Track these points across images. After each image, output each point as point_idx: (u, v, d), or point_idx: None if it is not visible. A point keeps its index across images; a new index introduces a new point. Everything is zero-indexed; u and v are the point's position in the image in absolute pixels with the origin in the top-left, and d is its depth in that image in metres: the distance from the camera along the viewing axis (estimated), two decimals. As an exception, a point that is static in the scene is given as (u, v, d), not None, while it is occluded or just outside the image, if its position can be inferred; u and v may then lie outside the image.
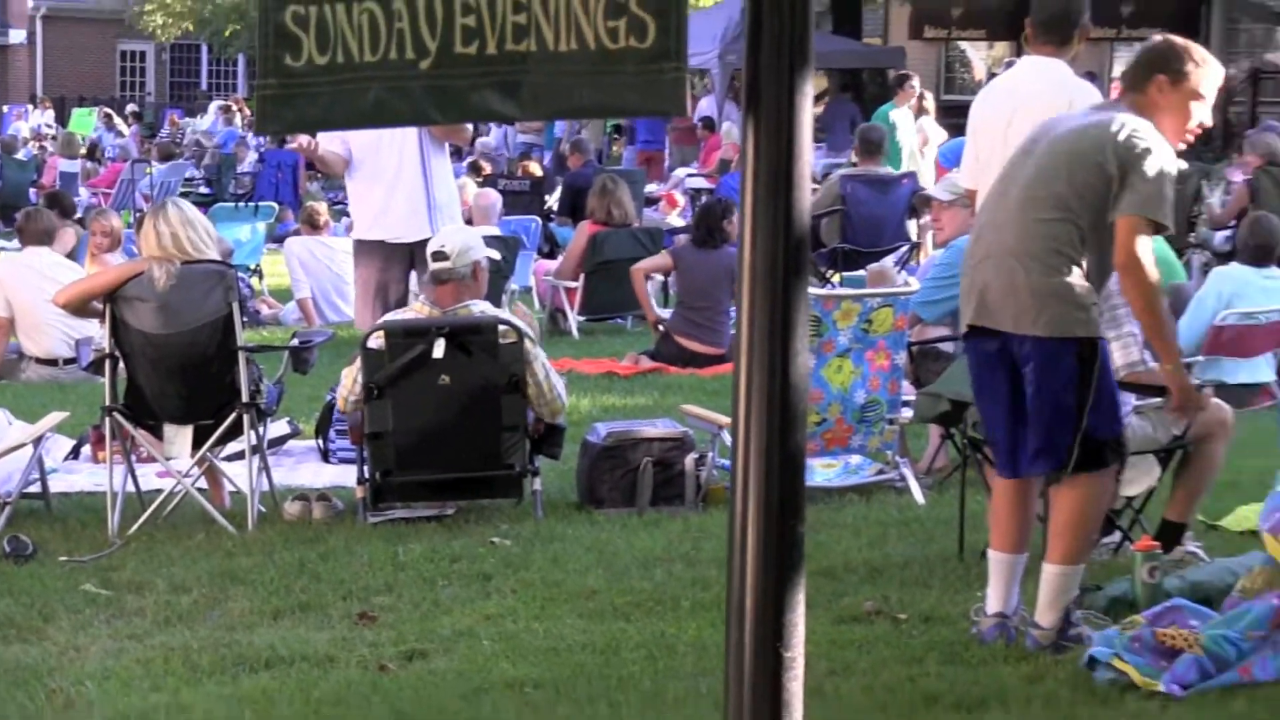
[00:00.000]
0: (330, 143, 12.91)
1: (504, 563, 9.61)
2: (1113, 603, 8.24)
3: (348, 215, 18.59)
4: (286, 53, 4.04)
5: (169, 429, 10.57)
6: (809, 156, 4.16)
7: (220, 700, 7.44)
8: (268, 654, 8.05)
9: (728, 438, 10.87)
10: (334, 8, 4.00)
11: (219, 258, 11.03)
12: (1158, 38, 8.08)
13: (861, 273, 16.02)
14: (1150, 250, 7.49)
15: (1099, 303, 7.72)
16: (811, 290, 11.47)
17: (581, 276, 17.98)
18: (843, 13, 46.89)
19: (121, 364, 10.57)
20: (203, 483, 10.78)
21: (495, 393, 10.35)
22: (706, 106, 37.83)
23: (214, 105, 51.17)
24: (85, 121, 47.26)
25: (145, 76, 65.66)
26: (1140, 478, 9.27)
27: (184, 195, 29.23)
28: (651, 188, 27.29)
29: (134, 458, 10.72)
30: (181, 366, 10.48)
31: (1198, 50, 7.82)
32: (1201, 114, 7.81)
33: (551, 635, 8.28)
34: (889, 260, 14.95)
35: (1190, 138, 7.86)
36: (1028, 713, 7.01)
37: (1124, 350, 8.78)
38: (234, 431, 10.44)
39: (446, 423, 10.31)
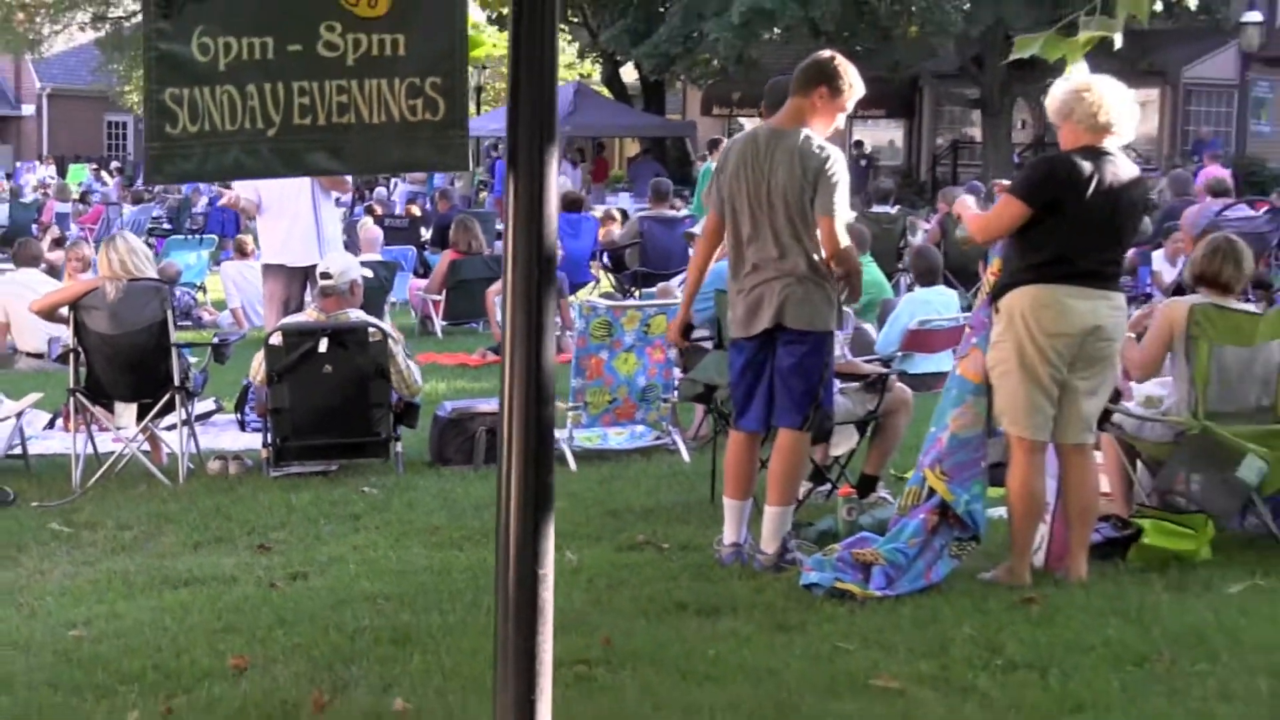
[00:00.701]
0: (245, 191, 13.03)
1: (371, 506, 9.56)
2: (821, 535, 8.31)
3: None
4: (166, 123, 4.04)
5: (119, 406, 10.67)
6: (555, 202, 4.14)
7: (148, 610, 7.35)
8: (187, 575, 7.99)
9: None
10: (201, 90, 4.01)
11: (157, 277, 10.97)
12: (825, 53, 7.99)
13: (654, 289, 16.04)
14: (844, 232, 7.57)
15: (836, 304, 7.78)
16: (605, 302, 11.51)
17: (444, 291, 18.01)
18: (650, 95, 47.03)
19: (83, 356, 10.56)
20: (146, 447, 10.69)
21: (366, 378, 10.37)
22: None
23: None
24: (79, 174, 46.75)
25: (126, 140, 65.11)
26: (844, 442, 9.36)
27: (151, 230, 29.01)
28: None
29: (94, 428, 10.63)
30: (128, 359, 10.53)
31: (853, 72, 7.80)
32: (841, 120, 7.86)
33: (402, 561, 8.24)
34: (674, 281, 14.94)
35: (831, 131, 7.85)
36: (751, 616, 7.00)
37: (839, 346, 8.86)
38: (169, 408, 10.40)
39: (329, 401, 10.33)
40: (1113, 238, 7.43)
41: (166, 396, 10.36)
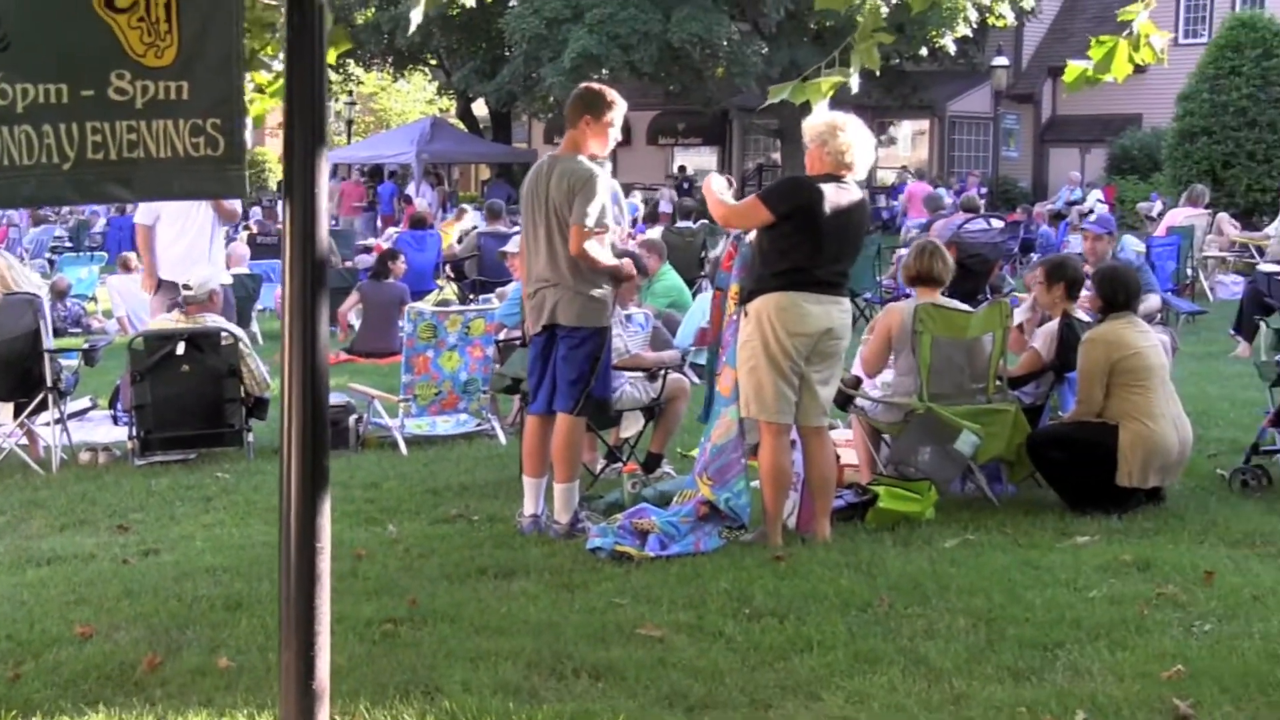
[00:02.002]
0: (144, 217, 12.72)
1: (223, 490, 9.45)
2: (609, 506, 8.34)
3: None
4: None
5: None
6: (325, 222, 4.14)
7: (10, 585, 7.21)
8: (50, 554, 7.84)
9: (379, 406, 10.83)
10: (1, 129, 3.93)
11: (33, 291, 10.74)
12: (583, 86, 8.10)
13: (490, 295, 15.98)
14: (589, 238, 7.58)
15: (607, 304, 7.82)
16: (430, 307, 11.45)
17: (304, 300, 17.81)
18: (499, 126, 46.91)
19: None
20: (24, 441, 10.48)
21: (219, 377, 10.28)
22: (410, 187, 37.66)
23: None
24: (-9, 201, 45.49)
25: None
26: (632, 425, 9.42)
27: (53, 249, 28.47)
28: (370, 241, 27.18)
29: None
30: (4, 363, 10.26)
31: (611, 93, 7.86)
32: (615, 135, 7.87)
33: (244, 536, 8.15)
34: (510, 287, 14.89)
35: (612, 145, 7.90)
36: (542, 577, 7.01)
37: (623, 342, 8.89)
38: (43, 406, 10.21)
39: (187, 397, 10.21)
40: (844, 252, 7.56)
41: (40, 396, 10.16)
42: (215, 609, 6.61)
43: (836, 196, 7.41)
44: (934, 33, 34.89)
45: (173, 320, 10.66)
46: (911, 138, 45.81)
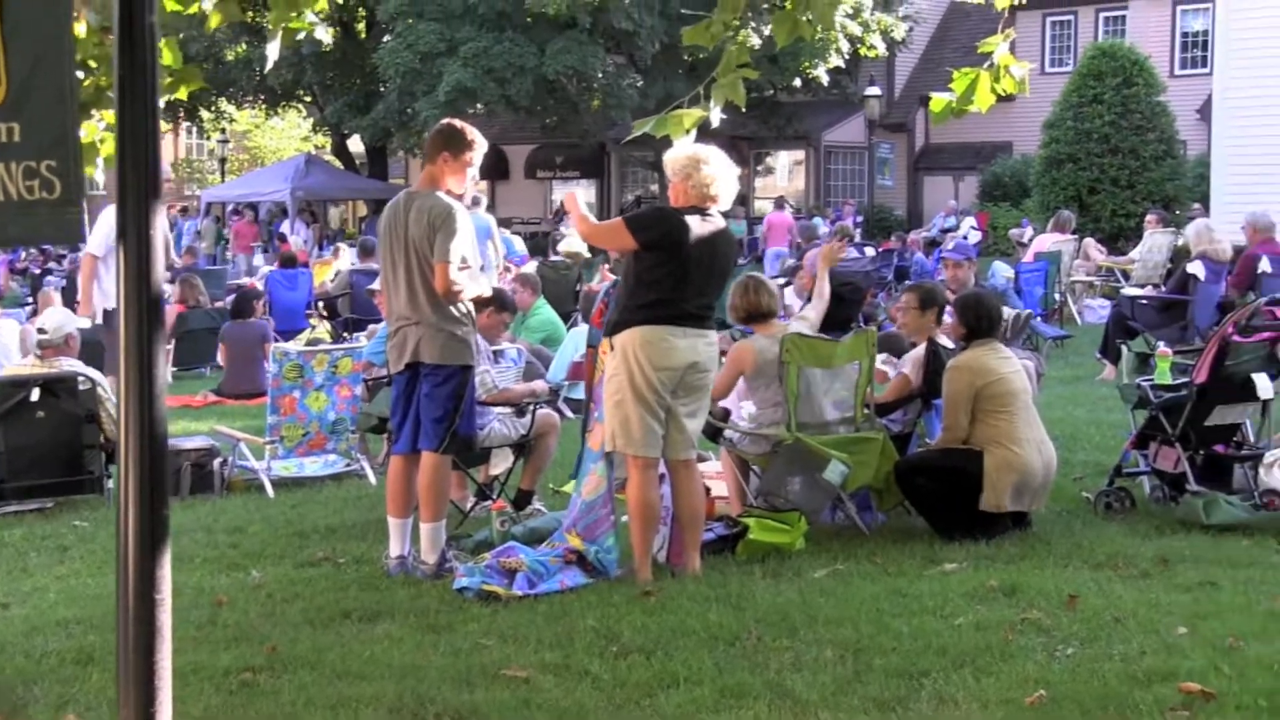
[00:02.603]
0: (95, 248, 12.62)
1: (80, 538, 9.21)
2: (478, 545, 8.24)
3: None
4: None
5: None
6: (161, 264, 4.02)
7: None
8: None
9: (245, 448, 10.64)
10: None
11: None
12: (444, 121, 8.01)
13: (363, 333, 15.84)
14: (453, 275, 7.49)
15: (470, 341, 7.73)
16: (296, 347, 11.29)
17: (173, 340, 17.58)
18: (375, 162, 46.63)
19: None
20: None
21: (77, 422, 10.03)
22: (284, 225, 37.30)
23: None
24: None
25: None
26: (501, 462, 9.33)
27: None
28: (243, 280, 26.89)
29: None
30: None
31: (472, 131, 7.82)
32: (474, 174, 7.82)
33: (100, 587, 7.89)
34: (380, 325, 14.75)
35: (470, 184, 7.87)
36: (407, 620, 6.88)
37: (480, 382, 8.78)
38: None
39: (42, 444, 9.93)
40: (709, 285, 7.51)
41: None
42: (65, 664, 6.39)
43: (701, 229, 7.39)
44: (807, 64, 35.25)
45: (28, 365, 10.40)
46: (789, 168, 46.15)
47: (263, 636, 6.68)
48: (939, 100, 7.37)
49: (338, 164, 46.75)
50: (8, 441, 9.86)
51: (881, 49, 37.08)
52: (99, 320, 12.66)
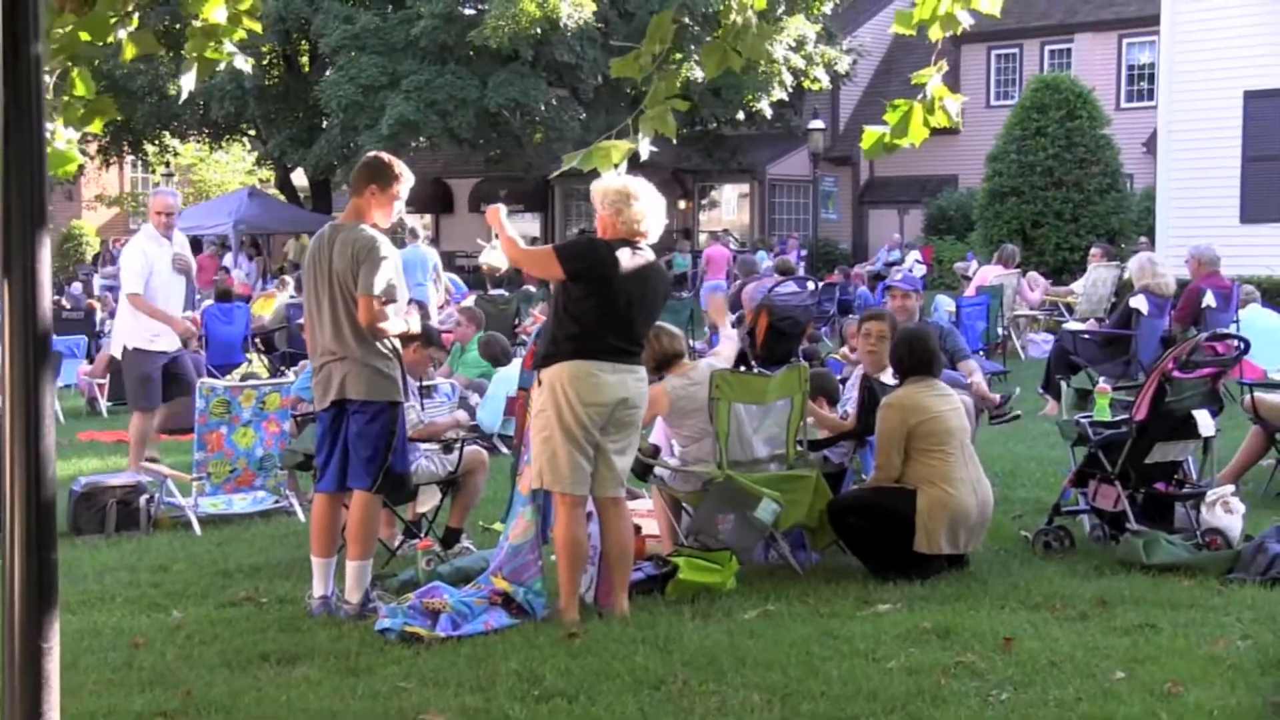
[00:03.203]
0: (133, 285, 11.90)
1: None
2: (403, 584, 8.11)
3: None
4: None
5: None
6: (48, 300, 3.87)
7: None
8: None
9: (172, 485, 10.44)
10: None
11: None
12: (371, 154, 7.87)
13: (298, 367, 15.68)
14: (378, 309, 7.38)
15: (397, 377, 7.58)
16: (222, 382, 11.10)
17: (108, 375, 17.35)
18: (319, 194, 46.43)
19: None
20: None
21: (-2, 460, 9.76)
22: (227, 258, 37.04)
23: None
24: None
25: None
26: (428, 499, 9.18)
27: None
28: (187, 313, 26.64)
29: None
30: None
31: (399, 165, 7.70)
32: (400, 207, 7.73)
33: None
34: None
35: (396, 218, 7.76)
36: (327, 662, 6.72)
37: (416, 414, 8.66)
38: None
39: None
40: (639, 319, 7.40)
41: None
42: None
43: (631, 262, 7.28)
44: (750, 97, 35.32)
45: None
46: (736, 201, 46.20)
47: (178, 680, 6.51)
48: (871, 133, 7.28)
49: (281, 197, 46.50)
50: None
51: (825, 82, 37.21)
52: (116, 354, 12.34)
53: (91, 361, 19.80)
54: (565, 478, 7.26)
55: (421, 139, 37.77)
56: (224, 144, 49.27)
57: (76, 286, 34.70)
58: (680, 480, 8.42)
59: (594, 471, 7.33)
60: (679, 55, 7.60)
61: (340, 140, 37.40)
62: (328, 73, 37.05)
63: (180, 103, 26.94)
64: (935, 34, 7.39)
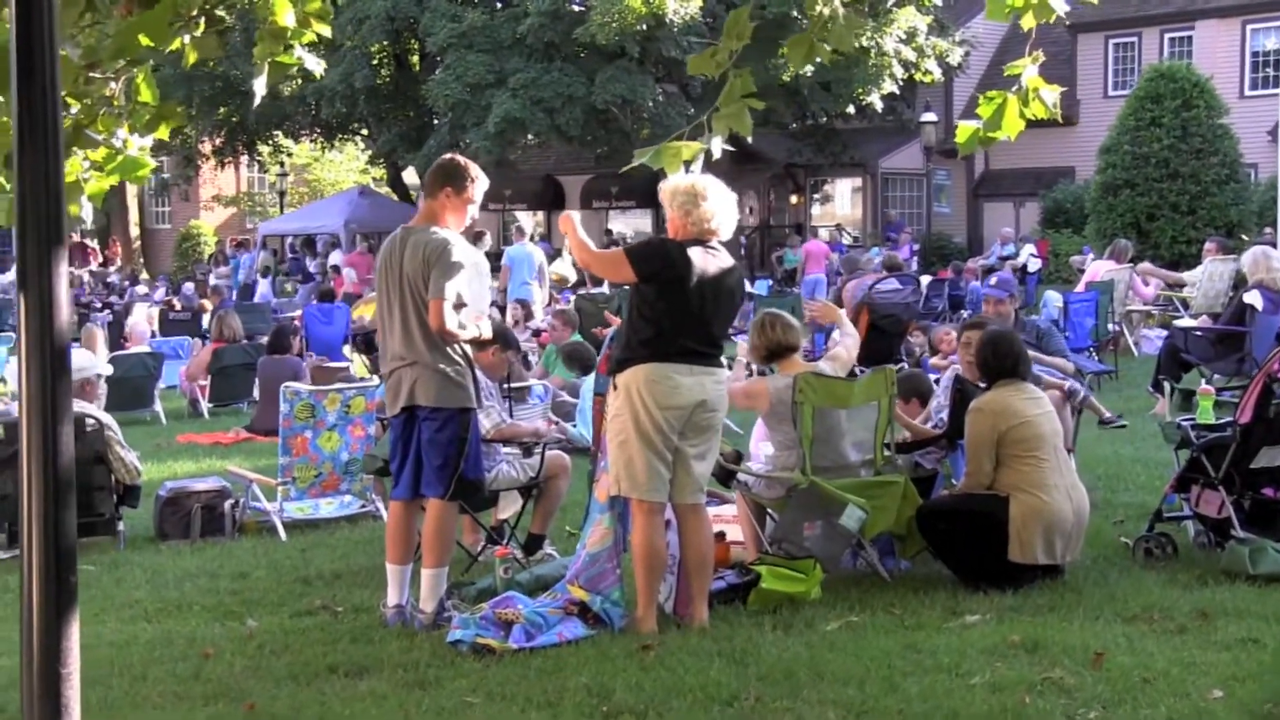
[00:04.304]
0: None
1: (83, 583, 8.66)
2: (480, 593, 7.94)
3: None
4: None
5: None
6: (65, 313, 3.75)
7: None
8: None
9: (257, 489, 10.39)
10: None
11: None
12: (448, 157, 7.75)
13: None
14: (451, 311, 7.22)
15: (468, 383, 7.43)
16: (307, 386, 11.03)
17: (209, 377, 17.44)
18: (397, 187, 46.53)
19: None
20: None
21: (86, 464, 9.74)
22: (337, 258, 37.18)
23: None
24: (-82, 278, 44.32)
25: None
26: (510, 505, 9.04)
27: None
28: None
29: None
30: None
31: (474, 168, 7.57)
32: (474, 211, 7.58)
33: (92, 635, 7.61)
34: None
35: (469, 220, 7.60)
36: (395, 674, 6.60)
37: (487, 417, 8.51)
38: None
39: (50, 487, 9.64)
40: (715, 320, 7.22)
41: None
42: (19, 725, 6.15)
43: (705, 262, 7.10)
44: (860, 90, 34.88)
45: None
46: (849, 195, 45.74)
47: (244, 693, 6.43)
48: (965, 128, 7.08)
49: (394, 196, 46.75)
50: (15, 484, 9.63)
51: (937, 74, 36.62)
52: None
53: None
54: (642, 484, 7.08)
55: (529, 136, 37.73)
56: (337, 143, 49.60)
57: (189, 286, 35.06)
58: (764, 486, 8.21)
59: (672, 478, 7.14)
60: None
61: (448, 139, 37.43)
62: (436, 72, 37.07)
63: (254, 106, 26.93)
64: (1028, 22, 7.17)
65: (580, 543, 7.56)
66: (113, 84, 6.62)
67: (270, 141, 46.41)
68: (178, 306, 27.20)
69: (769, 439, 8.35)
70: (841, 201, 46.24)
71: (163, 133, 7.02)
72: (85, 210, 6.82)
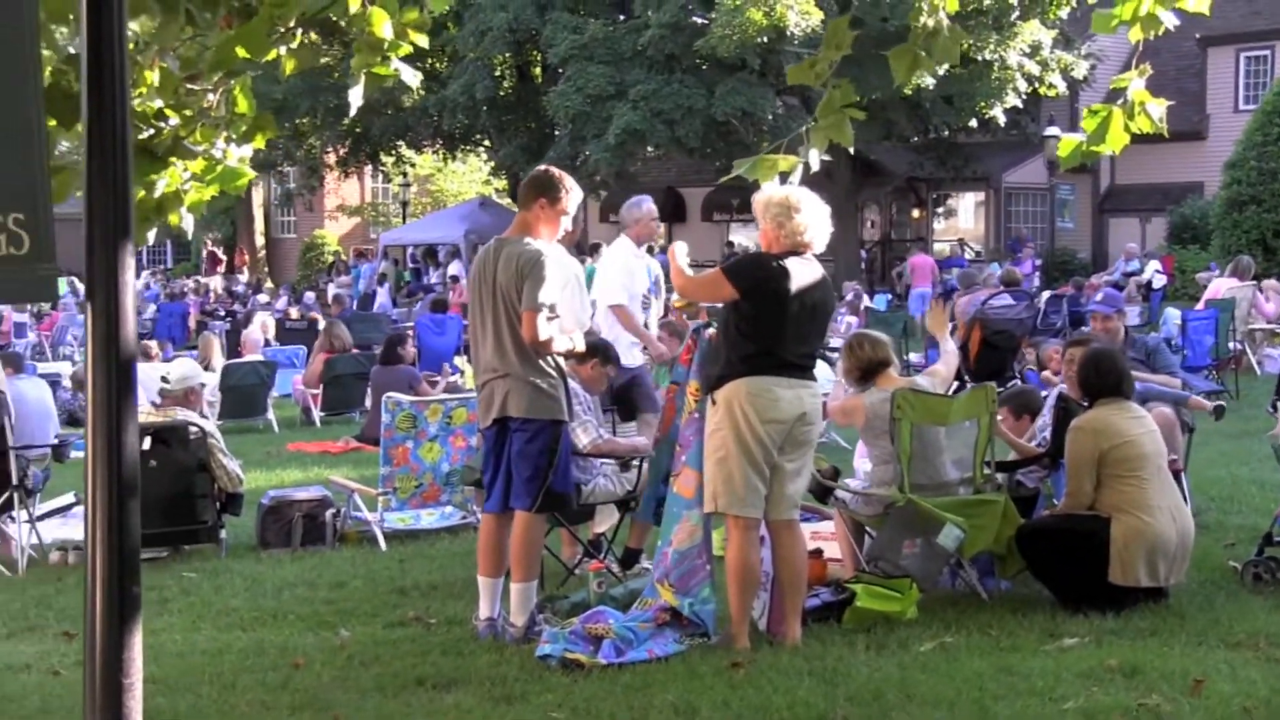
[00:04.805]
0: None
1: (183, 590, 9.05)
2: (574, 607, 7.86)
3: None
4: None
5: (-40, 505, 10.04)
6: (132, 324, 3.76)
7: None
8: (-19, 666, 7.47)
9: (359, 499, 10.43)
10: None
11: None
12: (542, 168, 7.76)
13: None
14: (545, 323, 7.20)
15: (560, 395, 7.39)
16: (409, 397, 11.05)
17: (321, 386, 17.59)
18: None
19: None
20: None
21: (189, 472, 9.93)
22: (456, 268, 37.41)
23: (145, 274, 49.81)
24: (59, 287, 45.01)
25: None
26: (606, 519, 8.99)
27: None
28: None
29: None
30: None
31: (568, 180, 7.57)
32: (567, 223, 7.57)
33: (188, 643, 7.75)
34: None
35: (562, 234, 7.60)
36: (482, 688, 6.58)
37: (585, 431, 8.46)
38: (9, 505, 9.82)
39: (156, 493, 9.74)
40: (811, 333, 7.16)
41: (5, 495, 9.77)
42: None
43: (800, 274, 7.03)
44: (983, 104, 34.45)
45: (143, 414, 10.33)
46: (972, 209, 45.22)
47: (330, 703, 6.44)
48: (1068, 141, 6.99)
49: (513, 207, 46.95)
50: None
51: (1062, 88, 36.08)
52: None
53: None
54: (740, 499, 7.01)
55: (649, 149, 37.70)
56: (459, 154, 49.94)
57: (309, 296, 35.45)
58: (862, 503, 8.09)
59: (768, 494, 7.06)
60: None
61: (568, 150, 37.53)
62: (557, 83, 37.17)
63: (348, 117, 26.85)
64: (1135, 35, 7.08)
65: (664, 540, 7.47)
66: (211, 95, 6.66)
67: (394, 152, 46.80)
68: (295, 316, 27.48)
69: (868, 454, 8.24)
70: (965, 216, 45.72)
71: (259, 142, 7.06)
72: (186, 221, 6.87)
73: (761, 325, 6.99)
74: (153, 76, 6.35)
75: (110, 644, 3.72)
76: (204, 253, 54.99)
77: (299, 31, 6.70)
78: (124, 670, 3.74)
